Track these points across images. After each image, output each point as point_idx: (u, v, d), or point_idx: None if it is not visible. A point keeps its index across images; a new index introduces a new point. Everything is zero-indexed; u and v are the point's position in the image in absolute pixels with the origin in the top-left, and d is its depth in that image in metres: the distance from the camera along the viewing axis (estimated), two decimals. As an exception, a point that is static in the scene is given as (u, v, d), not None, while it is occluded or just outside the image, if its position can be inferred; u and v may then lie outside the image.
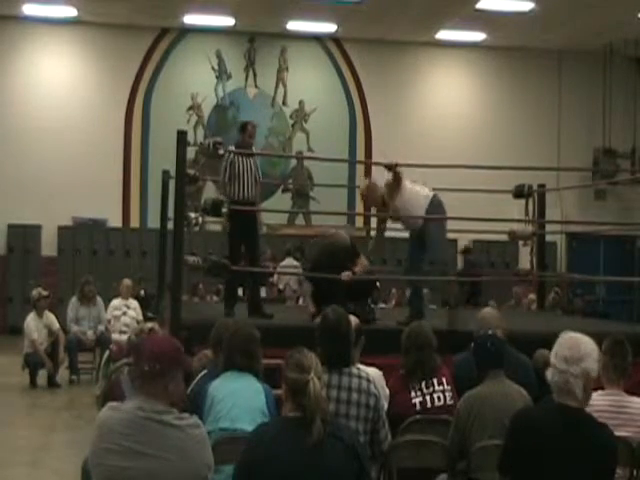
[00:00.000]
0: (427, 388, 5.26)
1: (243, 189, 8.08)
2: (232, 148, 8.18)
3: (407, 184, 8.09)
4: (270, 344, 5.61)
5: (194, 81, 17.84)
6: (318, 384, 3.47)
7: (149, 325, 5.69)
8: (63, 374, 11.67)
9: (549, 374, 3.61)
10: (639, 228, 17.22)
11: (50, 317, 11.77)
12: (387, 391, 5.32)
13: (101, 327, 11.96)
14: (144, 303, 12.50)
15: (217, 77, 17.99)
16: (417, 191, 8.12)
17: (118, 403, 3.63)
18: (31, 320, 11.57)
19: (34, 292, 11.97)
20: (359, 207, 17.89)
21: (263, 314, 8.01)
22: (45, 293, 11.87)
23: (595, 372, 3.59)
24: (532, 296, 12.16)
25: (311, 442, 3.39)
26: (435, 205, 8.08)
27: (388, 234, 8.88)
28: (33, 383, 11.26)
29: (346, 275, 7.67)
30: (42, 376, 11.33)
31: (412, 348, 5.36)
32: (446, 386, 5.31)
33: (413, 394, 5.24)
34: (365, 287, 8.11)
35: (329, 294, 7.41)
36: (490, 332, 5.90)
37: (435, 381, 5.29)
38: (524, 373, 5.61)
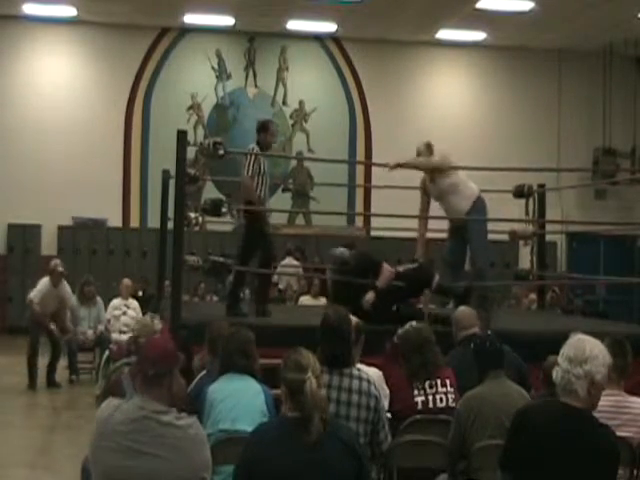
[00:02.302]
0: (430, 388, 5.24)
1: (263, 188, 7.93)
2: (254, 146, 7.97)
3: (460, 173, 8.28)
4: (270, 344, 5.62)
5: (194, 81, 17.84)
6: (315, 383, 3.47)
7: (158, 325, 5.66)
8: (63, 374, 11.66)
9: (554, 373, 3.61)
10: (639, 228, 17.22)
11: (65, 288, 11.53)
12: (387, 391, 5.31)
13: (101, 327, 11.96)
14: (143, 303, 12.49)
15: (217, 77, 17.99)
16: (467, 186, 8.24)
17: (118, 401, 3.64)
18: (42, 285, 11.39)
19: (52, 262, 11.65)
20: (359, 207, 17.96)
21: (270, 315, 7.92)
22: (61, 269, 11.49)
23: (601, 376, 3.56)
24: (532, 296, 12.15)
25: (310, 441, 3.38)
26: (479, 206, 8.25)
27: (403, 234, 8.94)
28: (32, 385, 11.07)
29: (368, 299, 7.61)
30: (41, 376, 11.27)
31: (413, 352, 5.33)
32: (449, 388, 5.28)
33: (416, 392, 5.23)
34: (417, 284, 7.94)
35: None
36: (489, 333, 5.91)
37: (439, 382, 5.27)
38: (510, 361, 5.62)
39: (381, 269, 7.70)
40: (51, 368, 11.39)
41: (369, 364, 5.34)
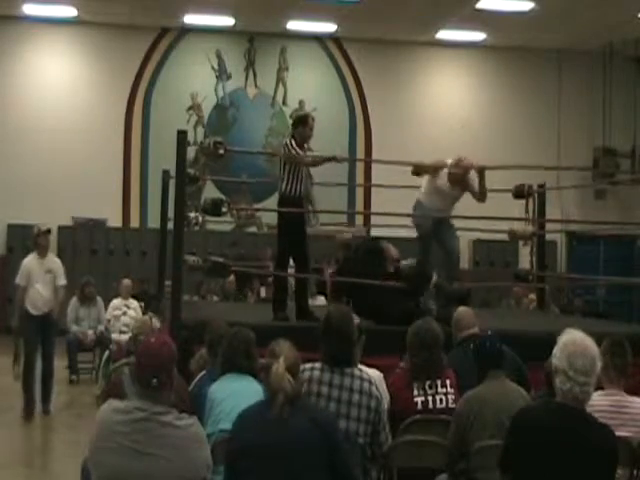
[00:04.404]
0: (430, 389, 5.24)
1: (299, 185, 7.67)
2: (291, 141, 7.66)
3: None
4: (270, 344, 5.61)
5: (194, 81, 17.84)
6: (282, 367, 3.70)
7: (157, 324, 5.67)
8: (63, 374, 11.65)
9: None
10: (639, 228, 17.21)
11: (54, 261, 10.01)
12: (387, 394, 5.28)
13: (101, 327, 11.97)
14: (146, 303, 12.49)
15: (217, 77, 17.99)
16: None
17: (119, 402, 3.64)
18: (27, 262, 9.81)
19: (35, 229, 10.02)
20: (359, 207, 17.95)
21: (312, 317, 7.38)
22: (45, 228, 9.87)
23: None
24: (532, 296, 12.15)
25: (273, 416, 3.60)
26: None
27: (381, 233, 8.95)
28: (29, 412, 9.55)
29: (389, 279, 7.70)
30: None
31: (421, 347, 5.32)
32: (449, 389, 5.27)
33: (415, 392, 5.23)
34: (414, 284, 7.91)
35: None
36: (489, 333, 5.91)
37: (439, 382, 5.26)
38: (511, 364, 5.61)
39: (384, 251, 8.02)
40: (45, 392, 9.86)
41: (369, 365, 5.33)
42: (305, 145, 7.83)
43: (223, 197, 11.40)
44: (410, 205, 8.77)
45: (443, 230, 8.39)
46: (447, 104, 18.32)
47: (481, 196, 8.40)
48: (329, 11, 16.35)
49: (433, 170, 8.28)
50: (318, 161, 7.91)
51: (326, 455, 3.63)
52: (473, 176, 8.40)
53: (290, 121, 18.07)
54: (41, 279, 9.67)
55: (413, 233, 8.90)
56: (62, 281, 9.86)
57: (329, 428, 3.73)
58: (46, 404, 9.75)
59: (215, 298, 13.58)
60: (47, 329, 9.79)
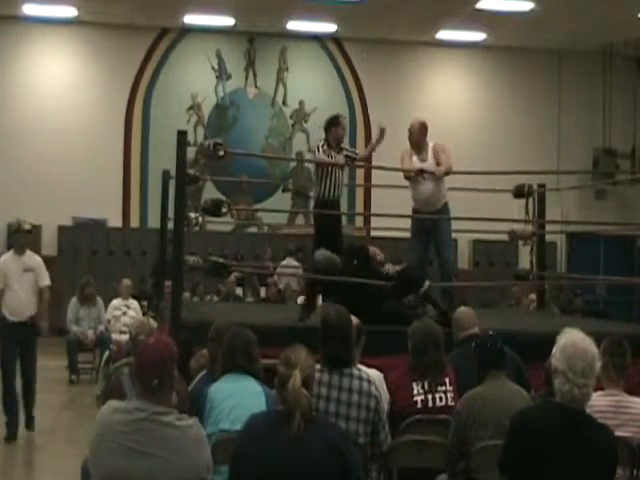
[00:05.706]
0: (430, 387, 5.25)
1: (334, 188, 7.68)
2: (323, 143, 7.77)
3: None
4: (270, 344, 5.62)
5: (194, 81, 17.84)
6: (299, 380, 3.51)
7: (154, 324, 5.67)
8: (63, 374, 11.65)
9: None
10: (639, 228, 17.22)
11: (35, 261, 8.80)
12: (387, 394, 5.29)
13: (101, 327, 11.98)
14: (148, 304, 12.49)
15: (217, 77, 17.99)
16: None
17: (119, 402, 3.65)
18: (4, 262, 8.76)
19: (14, 223, 8.93)
20: (359, 207, 17.96)
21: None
22: (27, 227, 8.81)
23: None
24: (532, 296, 12.15)
25: (289, 436, 3.43)
26: (448, 207, 8.38)
27: (381, 233, 8.88)
28: (11, 435, 8.47)
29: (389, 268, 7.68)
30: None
31: (422, 346, 5.33)
32: (449, 387, 5.29)
33: (415, 391, 5.24)
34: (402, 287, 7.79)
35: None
36: (490, 333, 5.90)
37: (439, 381, 5.28)
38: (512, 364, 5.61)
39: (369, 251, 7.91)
40: (26, 414, 8.79)
41: (369, 365, 5.33)
42: (342, 145, 7.94)
43: (223, 197, 11.39)
44: (409, 206, 8.77)
45: (438, 232, 8.26)
46: (447, 104, 18.31)
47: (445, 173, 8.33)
48: (329, 11, 16.35)
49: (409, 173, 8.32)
50: (333, 164, 7.90)
51: (341, 476, 3.52)
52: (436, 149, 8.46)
53: (290, 121, 18.20)
54: (19, 279, 8.57)
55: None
56: (45, 281, 8.76)
57: (346, 450, 3.56)
58: (29, 424, 8.75)
59: (215, 298, 13.59)
60: (27, 338, 8.63)
